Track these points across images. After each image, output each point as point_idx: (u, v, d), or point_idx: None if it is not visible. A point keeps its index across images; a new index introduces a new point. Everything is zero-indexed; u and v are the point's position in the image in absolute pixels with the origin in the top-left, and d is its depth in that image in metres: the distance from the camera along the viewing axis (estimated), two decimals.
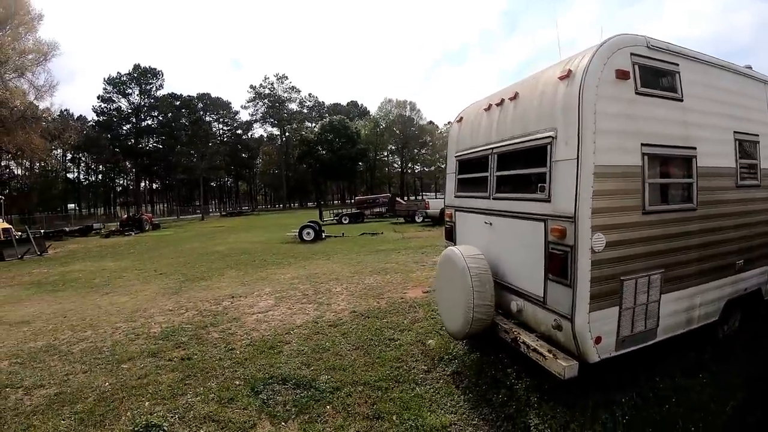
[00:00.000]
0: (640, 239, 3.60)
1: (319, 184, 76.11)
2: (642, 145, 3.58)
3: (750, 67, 4.67)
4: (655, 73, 3.72)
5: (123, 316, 7.58)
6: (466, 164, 5.50)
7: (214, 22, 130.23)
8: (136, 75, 69.64)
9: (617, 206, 3.48)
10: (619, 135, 3.48)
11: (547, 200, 3.71)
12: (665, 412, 3.58)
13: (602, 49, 3.47)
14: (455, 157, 5.70)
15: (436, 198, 28.07)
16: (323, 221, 23.44)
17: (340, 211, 34.07)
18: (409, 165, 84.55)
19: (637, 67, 3.58)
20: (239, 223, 38.42)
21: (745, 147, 4.42)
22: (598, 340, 3.45)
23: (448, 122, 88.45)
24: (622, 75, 3.49)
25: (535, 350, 3.75)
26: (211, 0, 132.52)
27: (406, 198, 59.99)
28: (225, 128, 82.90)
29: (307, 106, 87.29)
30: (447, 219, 5.98)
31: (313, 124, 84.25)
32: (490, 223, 4.70)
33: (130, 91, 69.55)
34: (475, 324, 4.29)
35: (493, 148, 4.66)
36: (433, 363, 4.86)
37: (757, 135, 4.54)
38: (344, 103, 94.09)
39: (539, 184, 3.83)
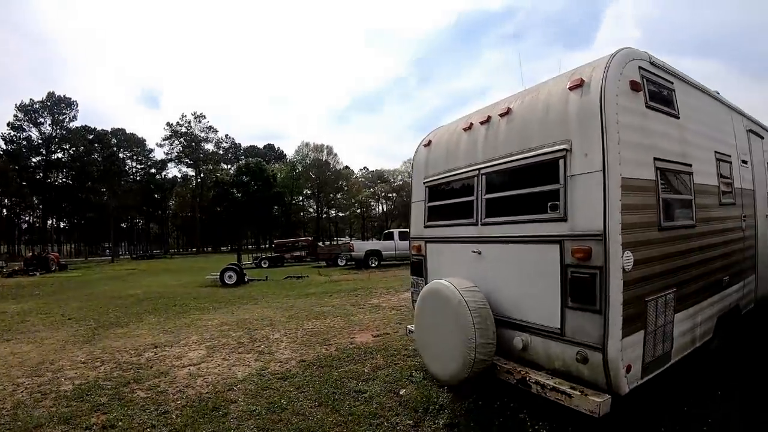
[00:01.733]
0: (658, 257, 3.36)
1: (234, 228, 72.67)
2: (654, 159, 3.41)
3: (718, 92, 4.90)
4: (658, 89, 3.64)
5: (26, 369, 6.04)
6: (439, 190, 5.07)
7: (132, 57, 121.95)
8: (49, 103, 64.03)
9: (641, 222, 3.22)
10: (636, 147, 3.27)
11: (563, 219, 3.34)
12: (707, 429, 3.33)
13: (617, 58, 3.30)
14: (424, 183, 5.26)
15: (350, 240, 27.62)
16: (242, 265, 21.74)
17: (259, 254, 32.38)
18: (325, 209, 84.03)
19: (645, 80, 3.46)
20: (152, 266, 35.33)
21: (723, 167, 4.52)
22: (628, 368, 3.07)
23: (358, 170, 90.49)
24: (635, 87, 3.34)
25: (554, 389, 3.25)
26: (130, 35, 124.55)
27: (321, 243, 58.78)
28: (138, 166, 77.53)
29: (224, 148, 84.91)
30: (414, 252, 5.43)
31: (229, 166, 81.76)
32: (479, 252, 4.24)
33: (42, 120, 63.82)
34: (477, 366, 3.71)
35: (480, 169, 4.28)
36: (418, 416, 4.12)
37: (730, 156, 4.71)
38: (261, 145, 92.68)
39: (549, 203, 3.47)
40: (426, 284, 4.96)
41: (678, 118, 3.80)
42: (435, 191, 5.14)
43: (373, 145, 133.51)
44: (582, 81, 3.32)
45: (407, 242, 23.02)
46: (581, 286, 3.17)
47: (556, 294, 3.38)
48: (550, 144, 3.50)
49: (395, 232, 24.86)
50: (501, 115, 4.12)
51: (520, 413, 3.63)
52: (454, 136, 4.81)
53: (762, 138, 5.82)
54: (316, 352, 6.47)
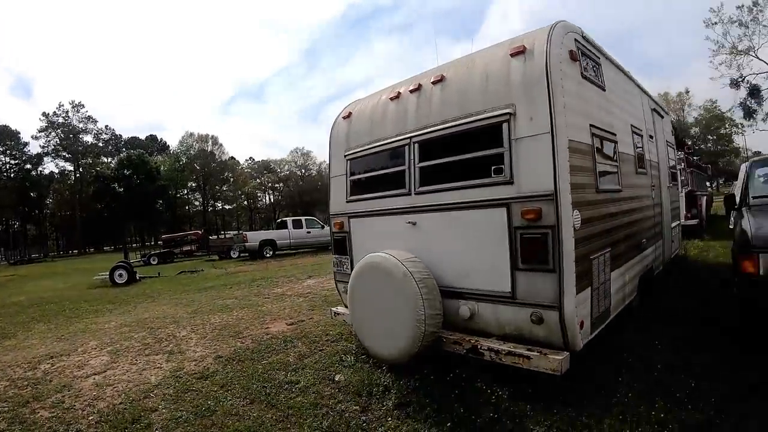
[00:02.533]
0: (598, 217, 3.52)
1: (117, 225, 65.20)
2: (590, 125, 3.54)
3: (630, 72, 5.31)
4: (589, 61, 3.78)
5: None
6: (363, 163, 4.84)
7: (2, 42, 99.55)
8: None
9: (583, 183, 3.32)
10: (577, 113, 3.36)
11: (509, 182, 3.31)
12: (657, 375, 3.58)
13: (557, 28, 3.36)
14: (345, 157, 5.00)
15: (240, 233, 26.40)
16: (131, 262, 19.57)
17: (147, 251, 29.67)
18: (211, 202, 79.23)
19: (580, 52, 3.56)
20: (33, 271, 30.83)
21: (636, 139, 4.92)
22: (581, 324, 3.16)
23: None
24: (573, 56, 3.42)
25: (510, 353, 3.24)
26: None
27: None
28: (12, 162, 66.45)
29: (104, 140, 75.54)
30: (336, 230, 5.14)
31: (110, 159, 73.77)
32: (414, 223, 4.09)
33: None
34: (426, 339, 3.58)
35: (411, 138, 4.13)
36: (363, 400, 3.87)
37: (641, 130, 5.14)
38: (143, 137, 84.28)
39: (493, 167, 3.42)
40: (352, 262, 4.74)
41: (604, 90, 4.01)
42: (358, 164, 4.90)
43: (260, 134, 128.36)
44: (524, 48, 3.32)
45: (302, 230, 23.05)
46: (533, 247, 3.17)
47: (504, 257, 3.35)
48: (491, 108, 3.46)
49: (289, 220, 24.56)
50: (434, 83, 4.02)
51: (475, 382, 3.57)
52: (380, 107, 4.62)
53: (662, 117, 6.54)
54: (231, 346, 5.91)
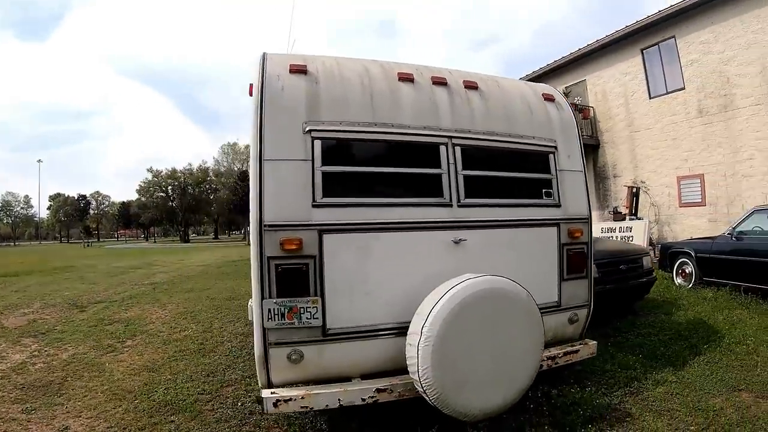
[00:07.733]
0: None
1: None
2: None
3: None
4: None
5: None
6: (353, 149, 3.37)
7: None
8: None
9: None
10: None
11: (558, 205, 3.90)
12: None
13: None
14: (309, 132, 3.11)
15: None
16: None
17: None
18: None
19: None
20: None
21: None
22: None
23: None
24: None
25: (565, 354, 3.78)
26: None
27: None
28: None
29: None
30: (285, 252, 2.95)
31: None
32: (458, 240, 3.43)
33: None
34: None
35: (450, 138, 3.54)
36: None
37: None
38: None
39: (544, 190, 3.87)
40: (324, 309, 3.05)
41: None
42: (343, 149, 3.28)
43: None
44: (553, 97, 4.10)
45: None
46: (576, 259, 3.90)
47: (553, 271, 3.81)
48: (540, 138, 3.89)
49: None
50: (467, 87, 3.75)
51: (561, 395, 3.58)
52: (382, 82, 3.47)
53: None
54: None
